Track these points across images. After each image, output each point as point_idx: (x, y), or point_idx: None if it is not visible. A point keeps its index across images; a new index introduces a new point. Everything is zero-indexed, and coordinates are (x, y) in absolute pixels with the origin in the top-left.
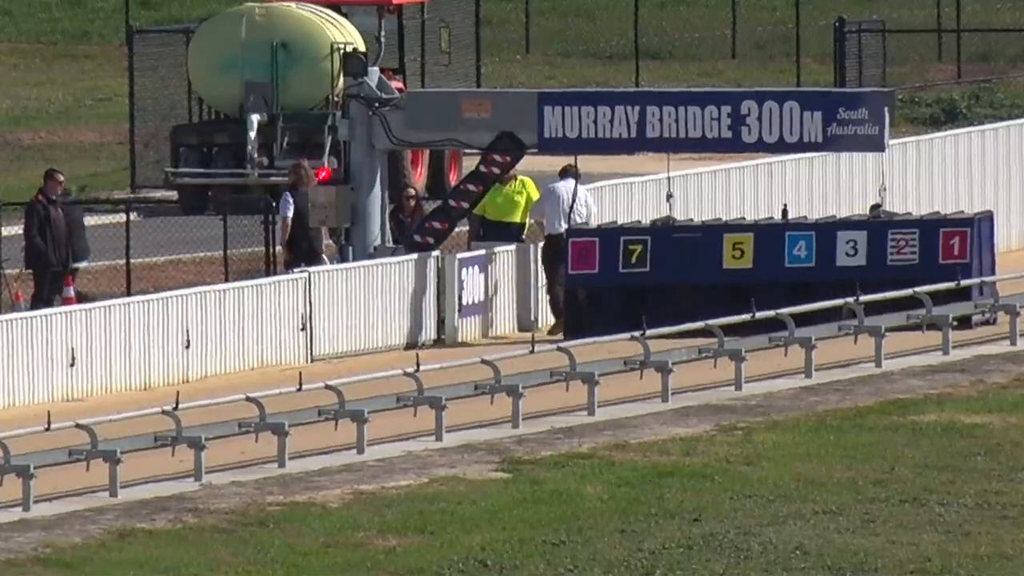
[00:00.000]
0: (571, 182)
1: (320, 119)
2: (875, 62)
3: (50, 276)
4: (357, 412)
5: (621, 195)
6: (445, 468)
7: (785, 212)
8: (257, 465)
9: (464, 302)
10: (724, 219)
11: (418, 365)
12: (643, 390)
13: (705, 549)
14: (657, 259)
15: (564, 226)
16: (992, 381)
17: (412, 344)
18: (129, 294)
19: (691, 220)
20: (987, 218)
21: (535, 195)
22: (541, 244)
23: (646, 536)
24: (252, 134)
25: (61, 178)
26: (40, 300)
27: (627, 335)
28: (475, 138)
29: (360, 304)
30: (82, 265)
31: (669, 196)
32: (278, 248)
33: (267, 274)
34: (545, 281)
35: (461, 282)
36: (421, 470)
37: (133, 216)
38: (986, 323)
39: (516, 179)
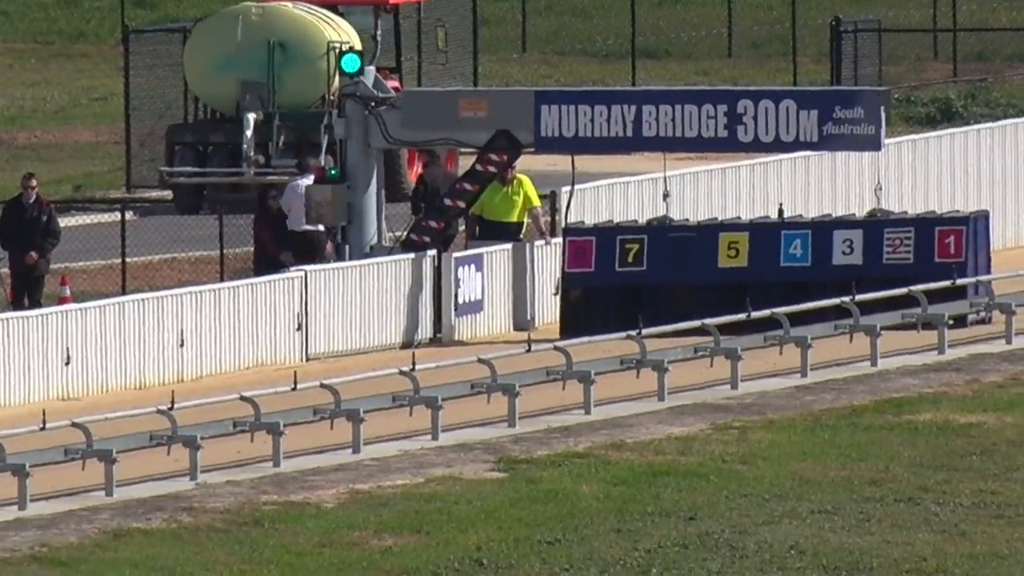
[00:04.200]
0: (311, 178)
1: (316, 118)
2: (871, 61)
3: (24, 278)
4: (353, 411)
5: (617, 194)
6: (441, 467)
7: (781, 211)
8: (252, 464)
9: (460, 301)
10: (720, 218)
11: (414, 364)
12: (639, 389)
13: (701, 548)
14: (653, 258)
15: (306, 225)
16: (988, 380)
17: (408, 343)
18: (124, 293)
19: (687, 219)
20: (982, 217)
21: (533, 194)
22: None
23: (642, 535)
24: (248, 133)
25: (34, 183)
26: (17, 302)
27: (623, 334)
28: (472, 137)
29: (356, 303)
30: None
31: (665, 195)
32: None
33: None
34: None
35: (457, 281)
36: (417, 469)
37: (129, 215)
38: (981, 322)
39: (514, 179)
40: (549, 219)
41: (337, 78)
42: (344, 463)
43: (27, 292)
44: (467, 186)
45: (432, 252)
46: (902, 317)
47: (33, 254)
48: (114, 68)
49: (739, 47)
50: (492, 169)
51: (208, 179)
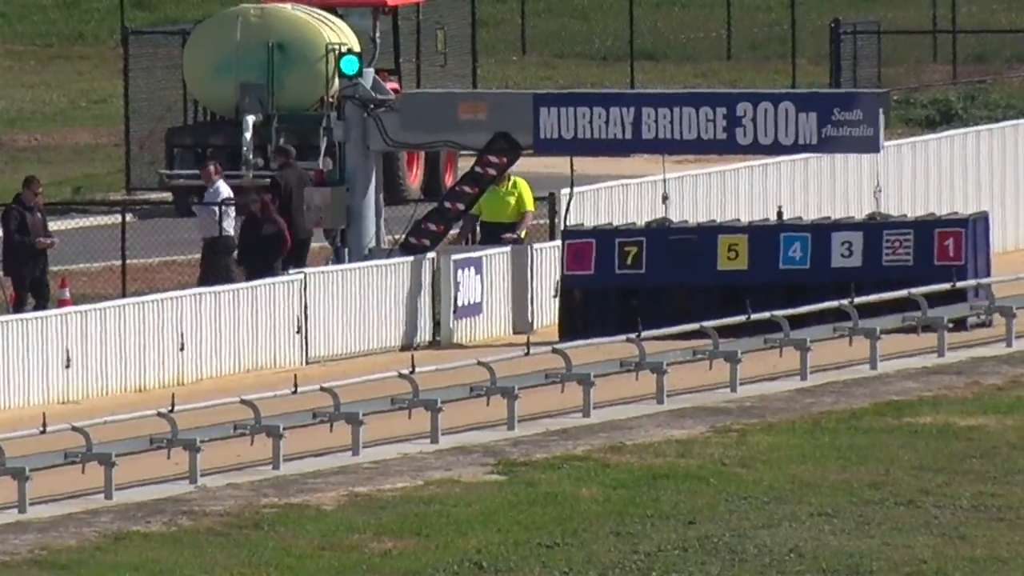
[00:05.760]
0: (219, 183)
1: (315, 120)
2: (870, 63)
3: (28, 281)
4: (352, 414)
5: (616, 197)
6: (440, 470)
7: (780, 213)
8: (252, 467)
9: (459, 304)
10: (719, 220)
11: (413, 367)
12: (638, 392)
13: (700, 551)
14: (652, 260)
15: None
16: (988, 383)
17: (407, 346)
18: (124, 296)
19: (686, 221)
20: (982, 219)
21: (527, 195)
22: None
23: (641, 538)
24: (247, 135)
25: (39, 189)
26: (21, 304)
27: (622, 336)
28: (471, 139)
29: (355, 306)
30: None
31: (664, 197)
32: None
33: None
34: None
35: (456, 284)
36: (416, 472)
37: (128, 218)
38: (981, 325)
39: (509, 179)
40: (548, 222)
41: (336, 80)
42: (344, 466)
43: (35, 295)
44: (467, 188)
45: (431, 255)
46: (902, 320)
47: (45, 240)
48: (113, 70)
49: (738, 49)
50: (491, 172)
51: None
